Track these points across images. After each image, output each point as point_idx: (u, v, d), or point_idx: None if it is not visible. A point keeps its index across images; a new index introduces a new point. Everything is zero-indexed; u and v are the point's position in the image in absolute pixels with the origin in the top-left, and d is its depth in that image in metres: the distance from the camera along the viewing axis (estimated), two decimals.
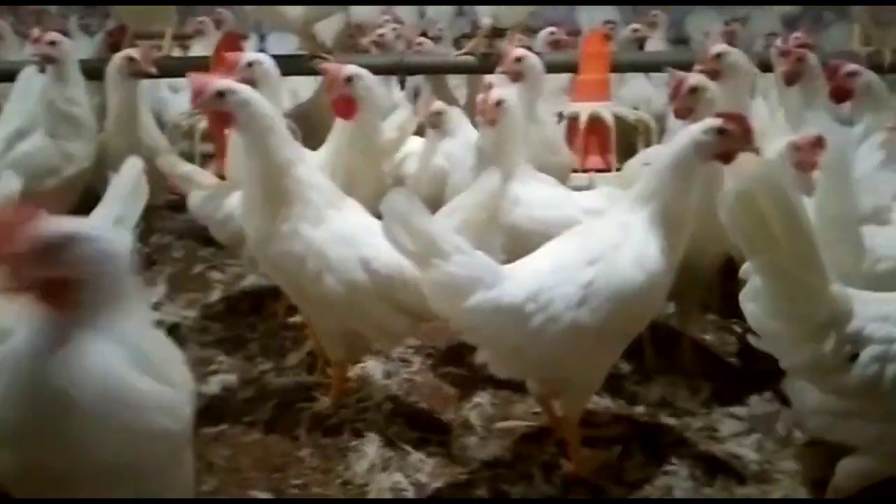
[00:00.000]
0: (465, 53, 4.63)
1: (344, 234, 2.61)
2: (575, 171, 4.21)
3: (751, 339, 2.12)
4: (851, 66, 3.30)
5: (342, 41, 5.51)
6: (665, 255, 2.34)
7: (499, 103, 2.95)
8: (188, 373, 1.81)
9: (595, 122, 4.40)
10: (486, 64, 4.49)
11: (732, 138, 2.37)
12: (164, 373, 1.67)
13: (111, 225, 2.30)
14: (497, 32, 5.22)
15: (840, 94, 3.24)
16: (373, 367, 3.16)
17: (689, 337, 3.21)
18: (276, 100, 3.52)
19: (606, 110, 4.43)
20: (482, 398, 2.94)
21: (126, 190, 2.49)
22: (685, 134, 2.42)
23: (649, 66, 5.11)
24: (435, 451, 2.61)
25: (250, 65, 3.40)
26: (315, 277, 2.57)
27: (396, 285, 2.53)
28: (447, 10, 7.63)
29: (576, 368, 2.35)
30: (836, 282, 2.01)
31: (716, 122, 2.38)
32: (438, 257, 2.19)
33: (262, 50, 6.88)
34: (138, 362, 1.60)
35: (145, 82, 4.48)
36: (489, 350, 2.34)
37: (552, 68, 4.54)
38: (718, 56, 3.32)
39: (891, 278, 2.47)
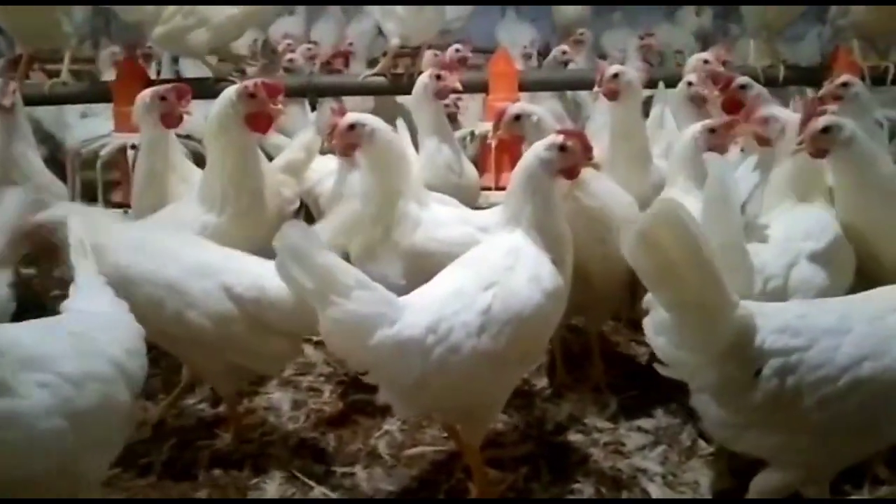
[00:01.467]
0: (375, 74, 4.61)
1: (199, 266, 2.55)
2: (489, 189, 4.22)
3: (659, 368, 2.12)
4: (742, 79, 3.39)
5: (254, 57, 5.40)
6: (556, 270, 2.35)
7: (352, 127, 2.83)
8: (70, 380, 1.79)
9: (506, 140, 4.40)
10: (396, 85, 4.49)
11: (573, 154, 2.44)
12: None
13: None
14: (413, 52, 5.23)
15: (732, 106, 3.32)
16: (280, 398, 3.08)
17: (598, 351, 3.24)
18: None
19: None
20: (392, 425, 2.89)
21: (6, 223, 2.39)
22: (530, 152, 2.46)
23: (557, 85, 5.19)
24: (339, 485, 2.55)
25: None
26: (176, 317, 2.48)
27: (264, 306, 2.49)
28: (368, 31, 7.60)
29: (479, 396, 2.31)
30: (739, 301, 2.02)
31: (557, 138, 2.43)
32: (338, 294, 2.12)
33: (175, 72, 6.74)
34: None
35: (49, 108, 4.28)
36: (391, 389, 2.26)
37: (463, 88, 4.57)
38: (616, 76, 3.39)
39: (782, 294, 2.53)
